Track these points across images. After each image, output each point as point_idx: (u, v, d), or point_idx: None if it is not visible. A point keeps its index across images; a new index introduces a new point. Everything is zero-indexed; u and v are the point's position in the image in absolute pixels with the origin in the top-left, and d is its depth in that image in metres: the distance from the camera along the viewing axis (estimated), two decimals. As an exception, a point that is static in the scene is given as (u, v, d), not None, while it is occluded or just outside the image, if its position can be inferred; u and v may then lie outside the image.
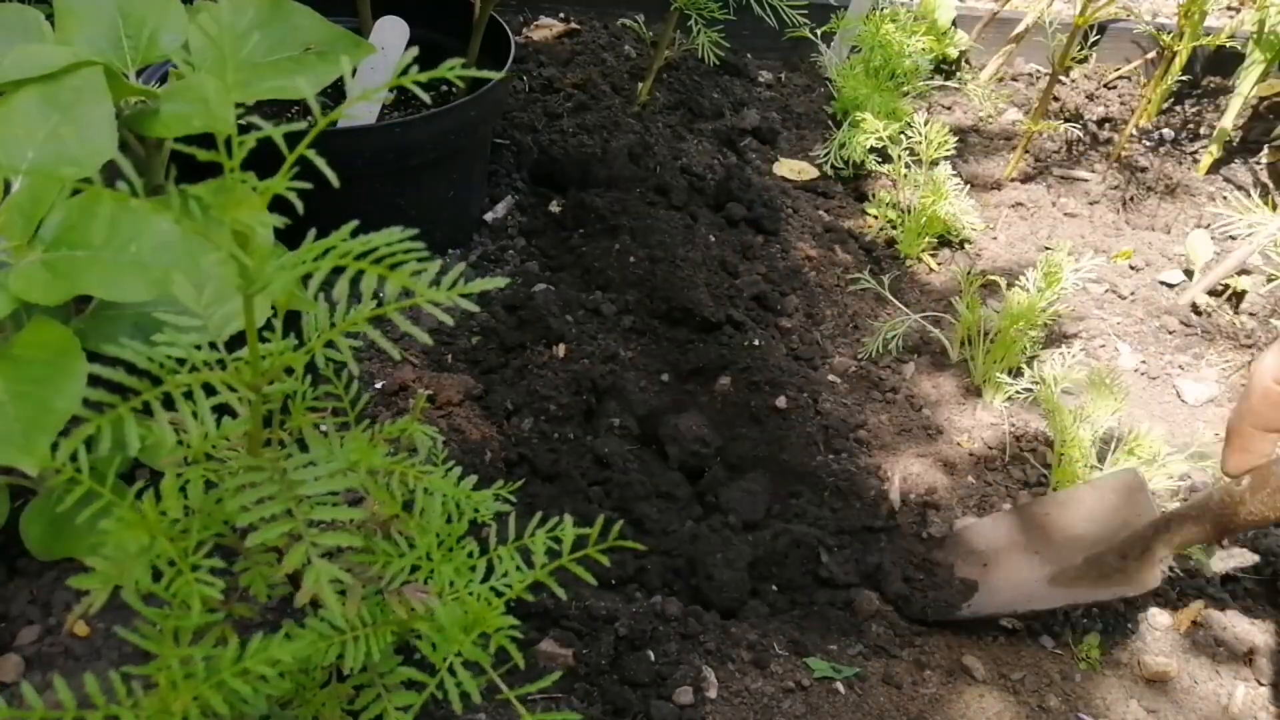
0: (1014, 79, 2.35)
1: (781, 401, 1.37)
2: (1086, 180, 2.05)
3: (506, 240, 1.58)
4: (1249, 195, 1.96)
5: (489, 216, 1.61)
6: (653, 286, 1.44)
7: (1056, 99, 2.23)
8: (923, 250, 1.77)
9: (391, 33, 1.42)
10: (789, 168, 1.89)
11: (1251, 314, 1.74)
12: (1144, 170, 2.09)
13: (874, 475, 1.32)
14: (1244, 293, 1.75)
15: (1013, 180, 2.02)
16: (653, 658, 0.99)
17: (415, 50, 0.46)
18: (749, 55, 2.23)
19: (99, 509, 0.54)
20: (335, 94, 1.51)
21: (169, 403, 0.52)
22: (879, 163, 1.88)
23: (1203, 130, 2.23)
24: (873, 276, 1.64)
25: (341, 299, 0.51)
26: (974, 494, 1.30)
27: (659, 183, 1.64)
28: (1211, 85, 2.31)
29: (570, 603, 1.01)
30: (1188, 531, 1.02)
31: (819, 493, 1.28)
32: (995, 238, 1.87)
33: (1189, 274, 1.80)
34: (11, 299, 0.76)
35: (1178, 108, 2.28)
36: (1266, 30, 1.95)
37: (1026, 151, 2.02)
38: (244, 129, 0.45)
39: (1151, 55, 2.29)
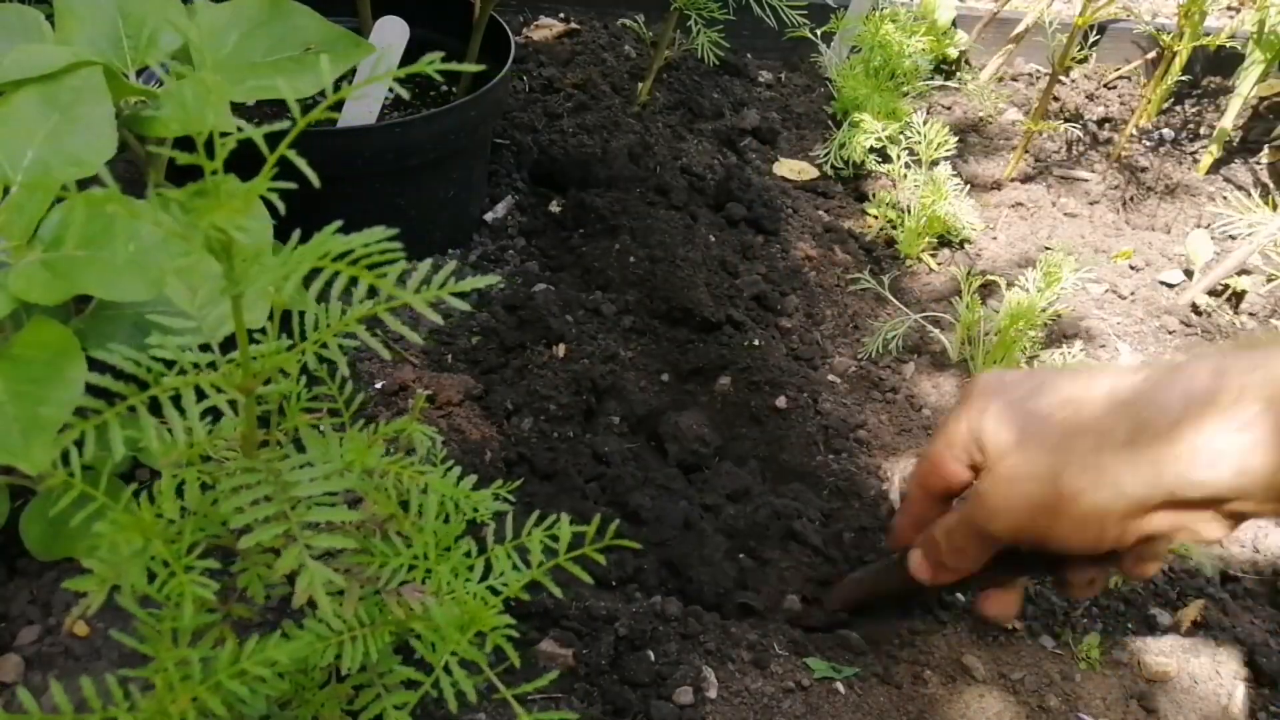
0: (1014, 79, 2.35)
1: (781, 401, 1.37)
2: (1086, 180, 2.05)
3: (506, 240, 1.58)
4: (1249, 195, 1.96)
5: (489, 216, 1.61)
6: (653, 286, 1.44)
7: (1056, 99, 2.23)
8: (923, 250, 1.77)
9: (391, 33, 1.42)
10: (789, 168, 1.89)
11: (1251, 314, 1.74)
12: (1144, 170, 2.09)
13: (874, 475, 1.32)
14: (1244, 293, 1.75)
15: (1013, 180, 2.02)
16: (653, 658, 0.99)
17: (409, 35, 0.46)
18: (749, 55, 2.23)
19: (95, 511, 0.54)
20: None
21: (161, 406, 0.52)
22: (879, 163, 1.88)
23: (1203, 130, 2.23)
24: (873, 276, 1.64)
25: (334, 299, 0.52)
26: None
27: (659, 183, 1.64)
28: (1211, 85, 2.31)
29: (570, 603, 1.01)
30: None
31: (818, 491, 1.28)
32: (995, 238, 1.87)
33: (1189, 274, 1.79)
34: (11, 299, 0.76)
35: (1178, 108, 2.28)
36: (1266, 30, 1.95)
37: (1026, 151, 2.02)
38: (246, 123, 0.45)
39: (1151, 55, 2.29)
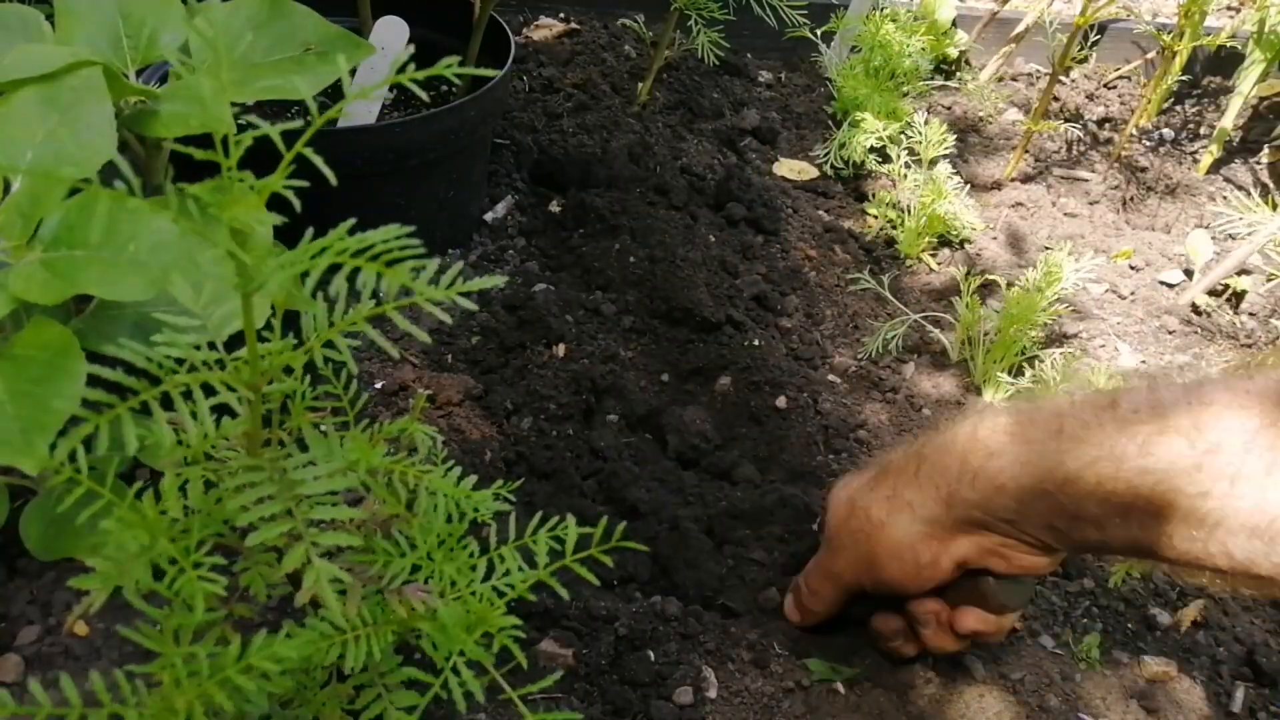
0: (1014, 79, 2.35)
1: (781, 401, 1.37)
2: (1086, 180, 2.05)
3: (506, 240, 1.58)
4: (1249, 195, 1.96)
5: (489, 216, 1.61)
6: (653, 286, 1.44)
7: (1056, 99, 2.23)
8: (922, 250, 1.77)
9: (391, 33, 1.42)
10: (789, 168, 1.89)
11: (1251, 314, 1.74)
12: (1144, 170, 2.09)
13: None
14: (1244, 292, 1.76)
15: (1013, 180, 2.02)
16: (653, 658, 0.99)
17: (412, 48, 0.46)
18: (749, 55, 2.23)
19: (99, 509, 0.54)
20: (335, 94, 1.51)
21: (168, 402, 0.52)
22: (879, 163, 1.88)
23: (1203, 130, 2.23)
24: (872, 276, 1.64)
25: (340, 298, 0.52)
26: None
27: (659, 183, 1.64)
28: (1211, 85, 2.31)
29: (570, 603, 1.01)
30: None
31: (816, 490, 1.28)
32: (995, 238, 1.87)
33: (1189, 274, 1.80)
34: (11, 299, 0.76)
35: (1178, 108, 2.28)
36: (1266, 30, 1.95)
37: (1026, 151, 2.02)
38: (243, 128, 0.45)
39: (1151, 55, 2.29)
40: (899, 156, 1.80)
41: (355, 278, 0.46)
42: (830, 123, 2.07)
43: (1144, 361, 1.59)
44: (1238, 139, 2.18)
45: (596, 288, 1.47)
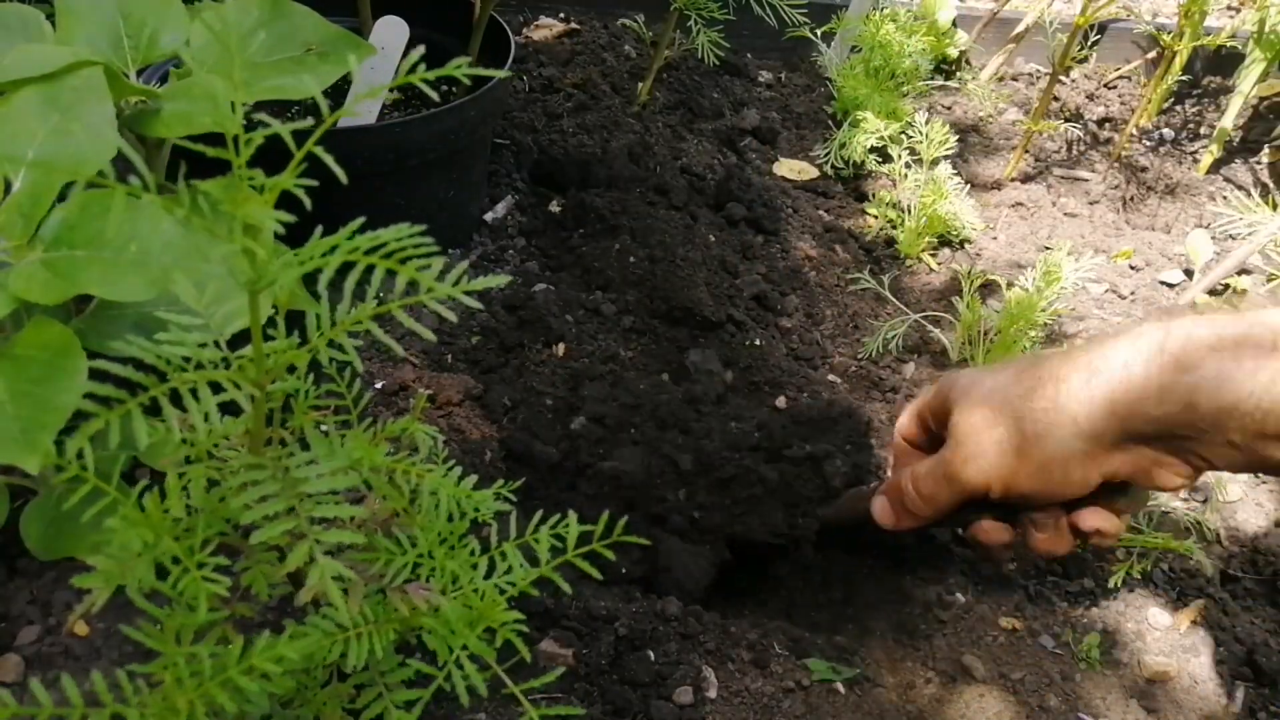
0: (1014, 79, 2.35)
1: (781, 401, 1.37)
2: (1087, 180, 2.05)
3: (506, 240, 1.58)
4: (1249, 195, 1.96)
5: (489, 216, 1.61)
6: (653, 286, 1.44)
7: (1056, 99, 2.23)
8: (923, 250, 1.77)
9: (391, 33, 1.42)
10: (789, 168, 1.89)
11: (1251, 314, 1.74)
12: (1144, 170, 2.09)
13: (874, 475, 1.32)
14: (1244, 292, 1.76)
15: (1013, 180, 2.02)
16: (653, 658, 0.99)
17: (422, 49, 0.46)
18: (749, 55, 2.23)
19: (103, 507, 0.54)
20: (335, 95, 1.51)
21: (172, 401, 0.52)
22: (879, 163, 1.88)
23: (1203, 130, 2.23)
24: (872, 276, 1.64)
25: (345, 297, 0.52)
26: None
27: (659, 183, 1.64)
28: (1212, 85, 2.31)
29: (570, 602, 1.01)
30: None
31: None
32: (995, 238, 1.87)
33: (1189, 274, 1.80)
34: (11, 299, 0.76)
35: (1178, 108, 2.29)
36: (1267, 30, 1.95)
37: (1026, 151, 2.02)
38: (247, 128, 0.45)
39: (1152, 55, 2.29)
40: (900, 156, 1.80)
41: (365, 277, 0.46)
42: (830, 123, 2.07)
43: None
44: (1238, 139, 2.18)
45: (596, 288, 1.47)
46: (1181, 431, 0.80)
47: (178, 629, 0.56)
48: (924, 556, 1.21)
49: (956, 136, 1.89)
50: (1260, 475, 1.38)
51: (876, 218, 1.82)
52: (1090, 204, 1.99)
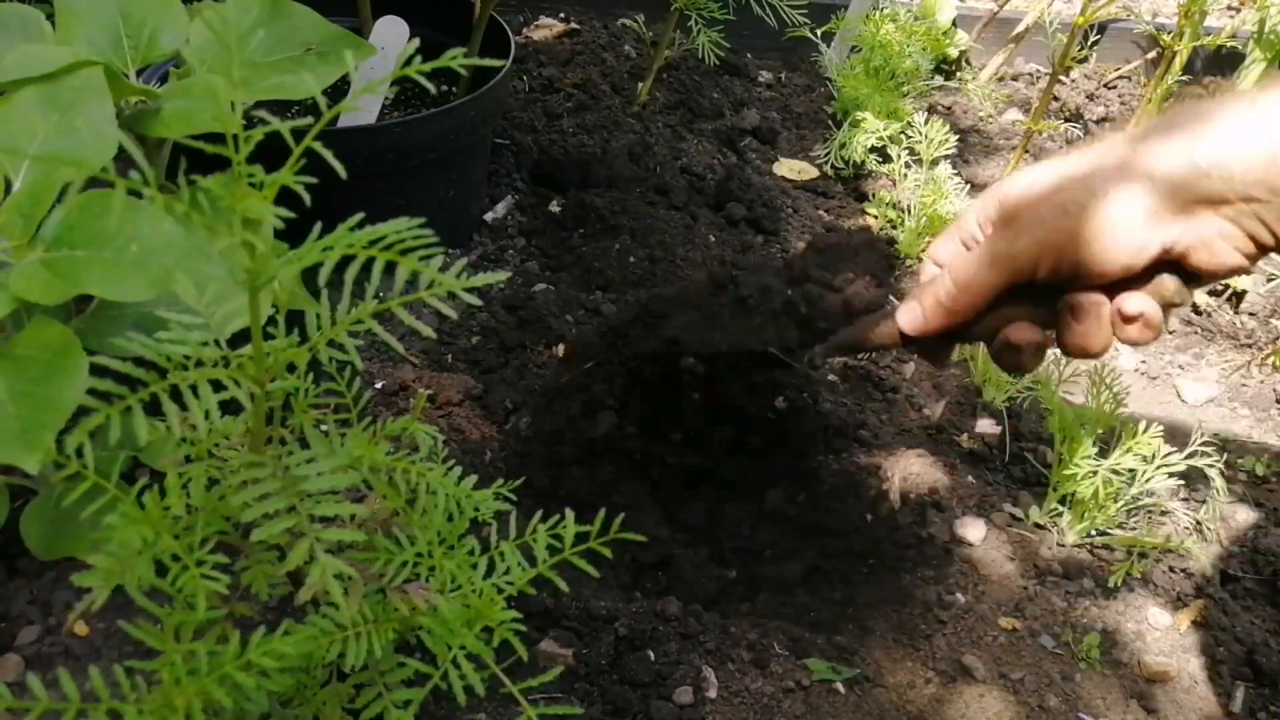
0: (1014, 79, 2.35)
1: (781, 401, 1.37)
2: (1086, 180, 2.05)
3: (506, 240, 1.58)
4: (1249, 195, 1.96)
5: (489, 216, 1.61)
6: (653, 286, 1.44)
7: (1056, 99, 2.23)
8: (923, 250, 1.77)
9: (391, 33, 1.42)
10: (789, 168, 1.89)
11: (1252, 314, 1.74)
12: (1144, 170, 2.09)
13: (874, 475, 1.32)
14: (1244, 292, 1.76)
15: (1012, 180, 2.02)
16: (652, 657, 0.99)
17: (416, 41, 0.46)
18: (749, 55, 2.23)
19: (103, 505, 0.54)
20: (335, 95, 1.51)
21: (173, 399, 0.52)
22: (879, 162, 1.88)
23: (1202, 130, 2.23)
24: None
25: (344, 296, 0.52)
26: (975, 493, 1.31)
27: (659, 183, 1.65)
28: (1211, 86, 2.31)
29: (570, 602, 1.01)
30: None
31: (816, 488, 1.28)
32: (995, 238, 1.86)
33: (1189, 274, 1.79)
34: (12, 299, 0.76)
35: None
36: (1266, 30, 1.95)
37: (1026, 151, 2.02)
38: (248, 128, 0.45)
39: (1152, 55, 2.29)
40: (899, 156, 1.80)
41: (364, 274, 0.46)
42: (830, 123, 2.07)
43: (1144, 361, 1.59)
44: (1237, 139, 2.17)
45: (596, 288, 1.47)
46: (1257, 193, 0.77)
47: (177, 627, 0.56)
48: (924, 556, 1.21)
49: (956, 136, 1.89)
50: (1262, 470, 1.39)
51: (876, 218, 1.82)
52: (1090, 204, 1.99)
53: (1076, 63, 2.25)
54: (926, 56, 2.02)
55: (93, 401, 0.48)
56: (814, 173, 1.89)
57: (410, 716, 0.65)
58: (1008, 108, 2.23)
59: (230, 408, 0.57)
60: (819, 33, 2.11)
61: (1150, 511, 1.29)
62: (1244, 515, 1.32)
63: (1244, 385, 1.57)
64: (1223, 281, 1.73)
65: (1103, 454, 1.22)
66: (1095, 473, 1.19)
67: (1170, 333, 1.66)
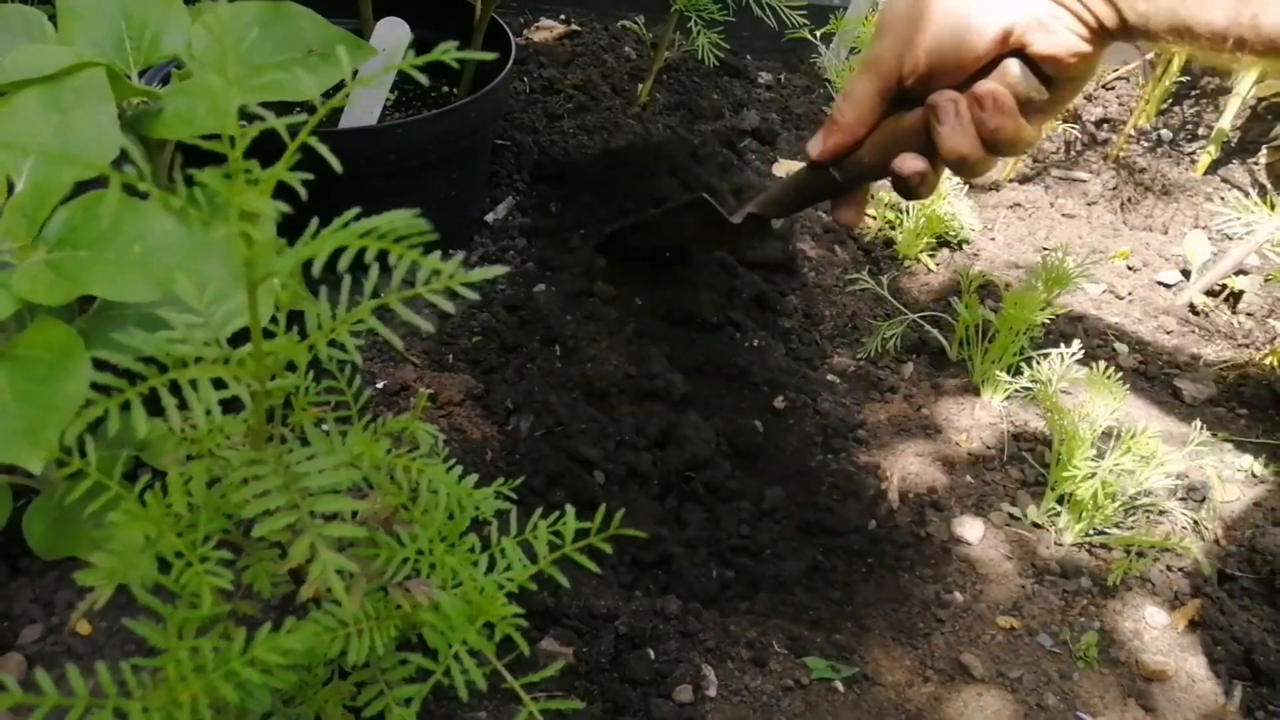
0: (1013, 80, 2.35)
1: (780, 401, 1.37)
2: (1084, 181, 2.06)
3: (507, 240, 1.58)
4: (1247, 195, 1.97)
5: (489, 217, 1.61)
6: (653, 287, 1.45)
7: (1055, 100, 2.23)
8: (921, 251, 1.77)
9: (392, 34, 1.42)
10: (788, 169, 1.89)
11: (1249, 314, 1.74)
12: (1142, 171, 2.09)
13: (873, 475, 1.33)
14: (1241, 293, 1.76)
15: (1011, 181, 2.02)
16: (652, 656, 0.99)
17: (409, 36, 0.47)
18: (749, 56, 2.23)
19: (106, 503, 0.54)
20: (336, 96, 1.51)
21: (173, 395, 0.52)
22: (878, 163, 1.89)
23: (1201, 131, 2.23)
24: (871, 277, 1.64)
25: (344, 294, 0.52)
26: (973, 493, 1.31)
27: (659, 183, 1.65)
28: (1210, 86, 2.31)
29: (570, 601, 1.01)
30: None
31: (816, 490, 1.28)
32: (993, 238, 1.87)
33: (1186, 274, 1.80)
34: (15, 299, 0.76)
35: (1176, 108, 2.29)
36: (1264, 31, 1.95)
37: (1025, 152, 2.03)
38: (247, 125, 0.46)
39: (1150, 56, 2.30)
40: (898, 157, 1.80)
41: (358, 266, 0.46)
42: (829, 124, 2.07)
43: (1143, 362, 1.60)
44: (1235, 140, 2.18)
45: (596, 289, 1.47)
46: None
47: (180, 624, 0.56)
48: (922, 556, 1.22)
49: (955, 137, 1.89)
50: (1260, 470, 1.39)
51: (875, 218, 1.83)
52: (1088, 205, 2.00)
53: (1075, 64, 2.25)
54: (925, 57, 2.02)
55: (94, 395, 0.49)
56: (813, 173, 1.90)
57: (412, 715, 0.65)
58: (1007, 108, 2.24)
59: (230, 407, 0.57)
60: (818, 34, 2.11)
61: (1148, 511, 1.29)
62: (1242, 515, 1.32)
63: (1242, 385, 1.58)
64: (1220, 282, 1.73)
65: (1101, 454, 1.22)
66: (1094, 474, 1.20)
67: (1167, 333, 1.66)
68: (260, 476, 0.51)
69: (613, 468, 1.22)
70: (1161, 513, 1.29)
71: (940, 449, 1.37)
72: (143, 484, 0.56)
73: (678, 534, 1.21)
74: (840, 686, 1.02)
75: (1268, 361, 1.59)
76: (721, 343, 1.42)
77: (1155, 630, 1.16)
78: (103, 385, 0.49)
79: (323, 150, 0.44)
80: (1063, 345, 1.56)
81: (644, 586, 1.15)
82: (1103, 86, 2.32)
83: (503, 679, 0.65)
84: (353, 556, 0.62)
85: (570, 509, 0.69)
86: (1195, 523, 1.27)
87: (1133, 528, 1.26)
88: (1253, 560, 1.26)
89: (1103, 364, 1.29)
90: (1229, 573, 1.24)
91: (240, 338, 0.56)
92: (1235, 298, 1.76)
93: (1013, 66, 0.89)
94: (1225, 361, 1.61)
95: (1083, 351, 1.56)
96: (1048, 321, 1.52)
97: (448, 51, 0.45)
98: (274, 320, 0.55)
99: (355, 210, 0.48)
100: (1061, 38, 0.85)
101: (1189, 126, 2.25)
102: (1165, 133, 2.22)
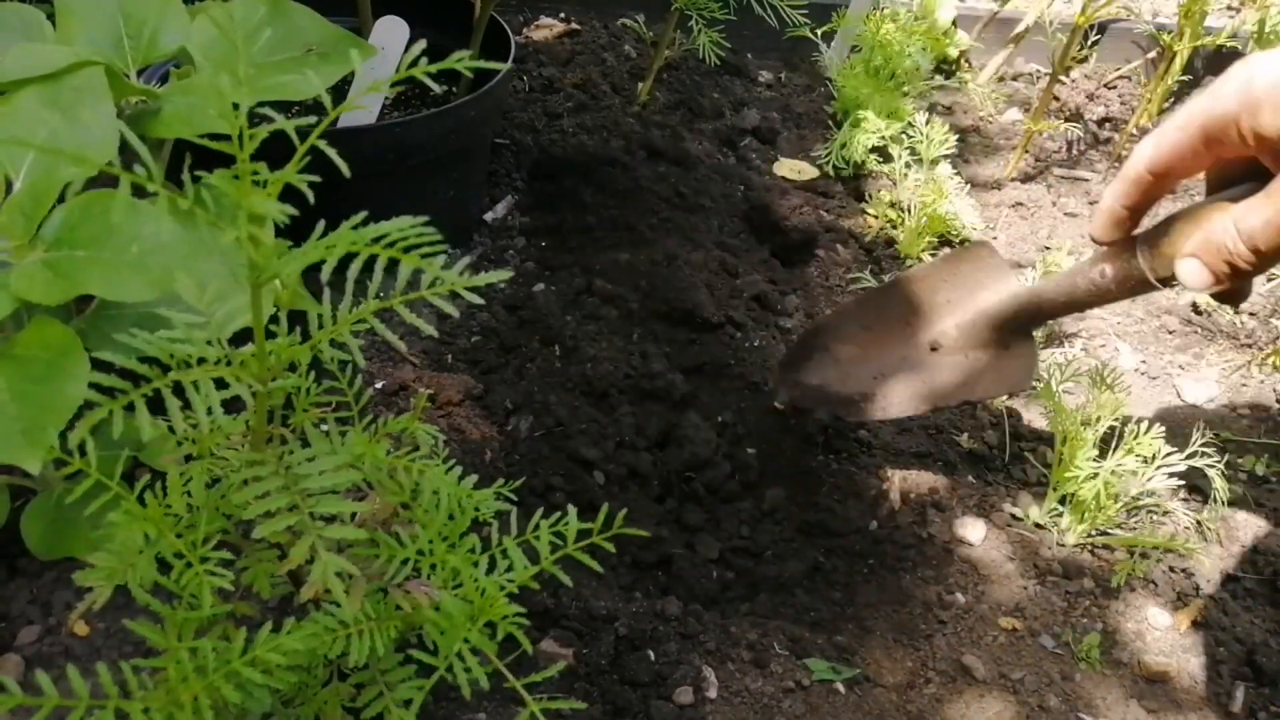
0: (1014, 79, 2.35)
1: (780, 402, 1.37)
2: (1087, 180, 2.05)
3: (507, 240, 1.58)
4: (1249, 195, 1.96)
5: (489, 216, 1.61)
6: (653, 287, 1.44)
7: (1057, 99, 2.23)
8: (923, 250, 1.77)
9: (391, 33, 1.42)
10: (789, 168, 1.89)
11: (1252, 313, 1.74)
12: (1144, 170, 2.09)
13: (874, 475, 1.32)
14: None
15: (1013, 180, 2.02)
16: (653, 657, 0.99)
17: (424, 43, 0.46)
18: (749, 55, 2.23)
19: (105, 503, 0.54)
20: (335, 96, 1.51)
21: (174, 396, 0.52)
22: (879, 162, 1.88)
23: (1202, 130, 2.23)
24: (873, 276, 1.64)
25: (346, 295, 0.52)
26: (974, 493, 1.31)
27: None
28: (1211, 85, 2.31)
29: (570, 603, 1.01)
30: (1052, 306, 1.04)
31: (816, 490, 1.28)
32: (995, 237, 1.87)
33: (1189, 274, 1.79)
34: (13, 299, 0.76)
35: (1178, 107, 2.28)
36: (1267, 30, 1.95)
37: (1027, 151, 2.02)
38: (250, 127, 0.45)
39: (1152, 55, 2.29)
40: (900, 156, 1.80)
41: (364, 272, 0.46)
42: (830, 123, 2.07)
43: (1144, 361, 1.59)
44: (1237, 139, 2.17)
45: (596, 289, 1.47)
46: None
47: (180, 625, 0.56)
48: (924, 556, 1.21)
49: (956, 136, 1.89)
50: (1262, 470, 1.39)
51: (876, 218, 1.82)
52: (1090, 204, 1.99)
53: (1077, 62, 2.25)
54: (927, 56, 2.02)
55: (96, 396, 0.48)
56: (814, 173, 1.89)
57: (412, 716, 0.65)
58: (1008, 107, 2.23)
59: (230, 407, 0.57)
60: (819, 33, 2.11)
61: (1150, 511, 1.29)
62: (1244, 515, 1.32)
63: (1244, 385, 1.57)
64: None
65: (1103, 454, 1.22)
66: (1096, 475, 1.19)
67: (1170, 333, 1.66)
68: (261, 478, 0.51)
69: (613, 468, 1.22)
70: (1164, 513, 1.28)
71: (942, 449, 1.37)
72: (142, 485, 0.56)
73: (679, 535, 1.21)
74: (841, 688, 1.02)
75: (1270, 361, 1.58)
76: (721, 343, 1.41)
77: (1158, 631, 1.16)
78: (106, 387, 0.48)
79: (331, 153, 0.44)
80: (1065, 344, 1.56)
81: (644, 588, 1.14)
82: (1105, 86, 2.31)
83: (501, 679, 0.65)
84: (352, 558, 0.62)
85: (572, 509, 0.69)
86: (1198, 523, 1.27)
87: (1135, 528, 1.26)
88: (1255, 561, 1.25)
89: (1105, 363, 1.28)
90: (1231, 573, 1.24)
91: (240, 338, 0.56)
92: None
93: None
94: (1228, 361, 1.61)
95: (1085, 351, 1.56)
96: (1050, 321, 1.51)
97: (462, 60, 0.45)
98: (274, 320, 0.55)
99: (363, 214, 0.48)
100: None
101: (1190, 126, 2.24)
102: (1167, 132, 2.21)
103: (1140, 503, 1.26)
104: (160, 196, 0.42)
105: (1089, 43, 2.24)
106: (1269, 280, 1.71)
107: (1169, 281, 0.88)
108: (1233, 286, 0.83)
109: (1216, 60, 2.27)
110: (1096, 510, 1.21)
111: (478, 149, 1.54)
